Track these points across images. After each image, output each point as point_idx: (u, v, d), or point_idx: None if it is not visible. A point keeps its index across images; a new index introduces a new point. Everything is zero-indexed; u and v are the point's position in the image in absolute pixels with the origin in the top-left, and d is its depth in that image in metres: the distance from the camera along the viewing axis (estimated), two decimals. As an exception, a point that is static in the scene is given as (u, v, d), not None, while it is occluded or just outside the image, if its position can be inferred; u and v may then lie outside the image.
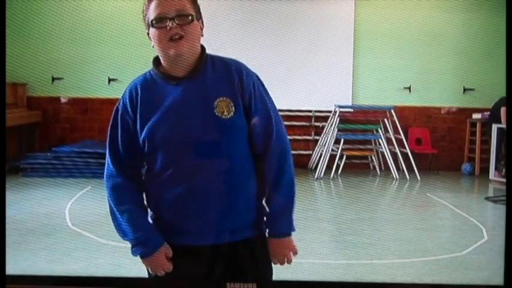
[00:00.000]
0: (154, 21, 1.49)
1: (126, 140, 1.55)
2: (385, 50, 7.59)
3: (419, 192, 6.70)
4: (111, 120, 1.57)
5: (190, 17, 1.50)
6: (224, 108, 1.50)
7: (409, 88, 7.82)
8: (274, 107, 1.59)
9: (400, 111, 7.64)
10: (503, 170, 6.50)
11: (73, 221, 4.48)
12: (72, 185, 5.78)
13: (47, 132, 7.44)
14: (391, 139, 7.29)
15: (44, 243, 3.84)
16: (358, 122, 7.63)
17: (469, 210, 5.44)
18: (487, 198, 6.12)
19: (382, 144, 7.21)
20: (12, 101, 6.97)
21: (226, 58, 1.59)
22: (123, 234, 1.56)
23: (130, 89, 1.56)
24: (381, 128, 7.43)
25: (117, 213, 1.57)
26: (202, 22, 1.57)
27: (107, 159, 1.58)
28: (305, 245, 3.88)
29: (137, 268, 1.64)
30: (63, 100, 7.54)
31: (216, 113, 1.49)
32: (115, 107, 1.57)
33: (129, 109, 1.54)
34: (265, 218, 1.61)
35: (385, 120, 7.42)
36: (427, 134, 7.93)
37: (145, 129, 1.51)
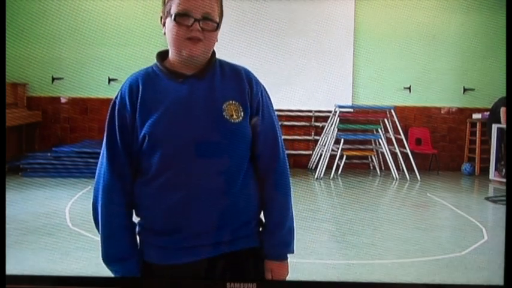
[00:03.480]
0: (177, 16, 1.40)
1: (123, 137, 1.46)
2: (385, 50, 7.59)
3: (419, 192, 6.69)
4: (107, 116, 1.48)
5: (215, 25, 1.44)
6: (233, 112, 1.45)
7: (409, 88, 7.82)
8: (277, 119, 1.57)
9: (400, 111, 7.64)
10: (503, 170, 6.50)
11: (73, 221, 4.48)
12: (72, 185, 5.78)
13: (47, 132, 7.44)
14: (391, 139, 7.29)
15: (44, 243, 3.84)
16: (358, 122, 7.62)
17: (469, 210, 5.44)
18: (487, 198, 6.11)
19: (382, 144, 7.21)
20: (12, 101, 6.97)
21: (235, 64, 1.55)
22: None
23: (131, 83, 1.48)
24: (381, 128, 7.42)
25: (101, 216, 1.60)
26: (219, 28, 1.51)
27: (102, 156, 1.50)
28: (305, 245, 3.90)
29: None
30: (63, 100, 7.54)
31: (225, 116, 1.44)
32: (112, 101, 1.49)
33: (128, 104, 1.46)
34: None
35: (385, 120, 7.42)
36: (427, 134, 7.93)
37: (146, 125, 1.43)
